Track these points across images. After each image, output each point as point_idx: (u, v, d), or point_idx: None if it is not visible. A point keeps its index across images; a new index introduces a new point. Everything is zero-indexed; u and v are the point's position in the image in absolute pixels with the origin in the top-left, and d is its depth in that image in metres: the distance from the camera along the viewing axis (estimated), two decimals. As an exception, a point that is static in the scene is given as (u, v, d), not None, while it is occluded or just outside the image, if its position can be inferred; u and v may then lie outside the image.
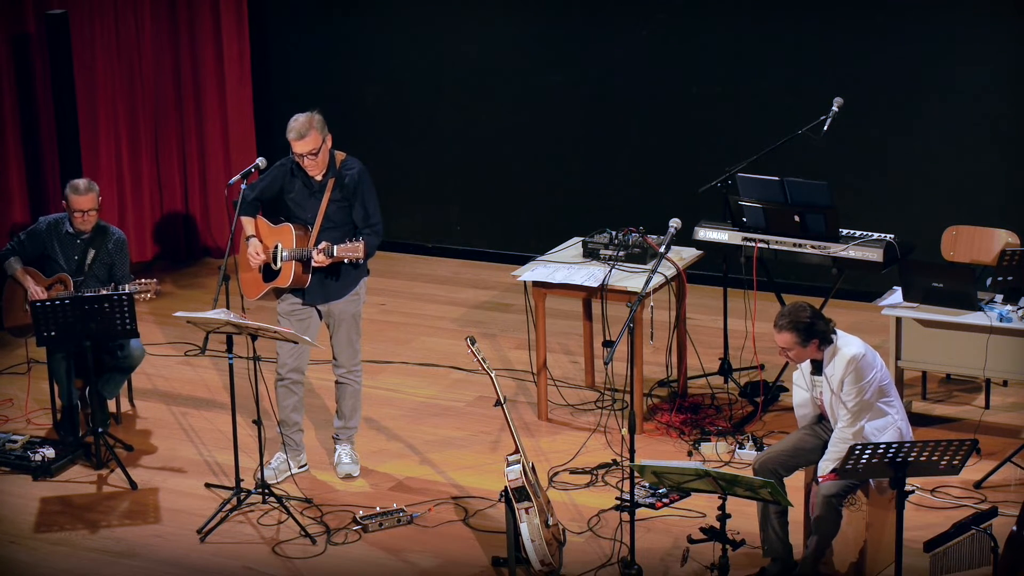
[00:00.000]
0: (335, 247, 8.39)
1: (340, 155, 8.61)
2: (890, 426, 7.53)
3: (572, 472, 8.85)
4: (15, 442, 9.22)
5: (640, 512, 8.24)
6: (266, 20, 12.70)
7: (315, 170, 8.50)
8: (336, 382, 8.85)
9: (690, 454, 8.99)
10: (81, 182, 9.34)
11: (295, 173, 8.58)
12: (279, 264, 8.59)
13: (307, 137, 8.41)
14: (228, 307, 8.52)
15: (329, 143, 8.49)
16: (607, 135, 11.84)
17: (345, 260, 8.42)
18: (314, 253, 8.42)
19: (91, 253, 9.32)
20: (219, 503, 8.48)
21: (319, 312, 8.70)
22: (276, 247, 8.59)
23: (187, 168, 12.62)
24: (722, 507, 7.09)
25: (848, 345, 7.50)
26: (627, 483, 8.30)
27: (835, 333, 7.51)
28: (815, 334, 7.45)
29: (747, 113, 11.28)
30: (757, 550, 7.75)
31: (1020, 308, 8.70)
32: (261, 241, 8.62)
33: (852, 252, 9.15)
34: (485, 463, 9.03)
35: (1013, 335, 8.64)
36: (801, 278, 10.69)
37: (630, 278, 9.22)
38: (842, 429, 7.50)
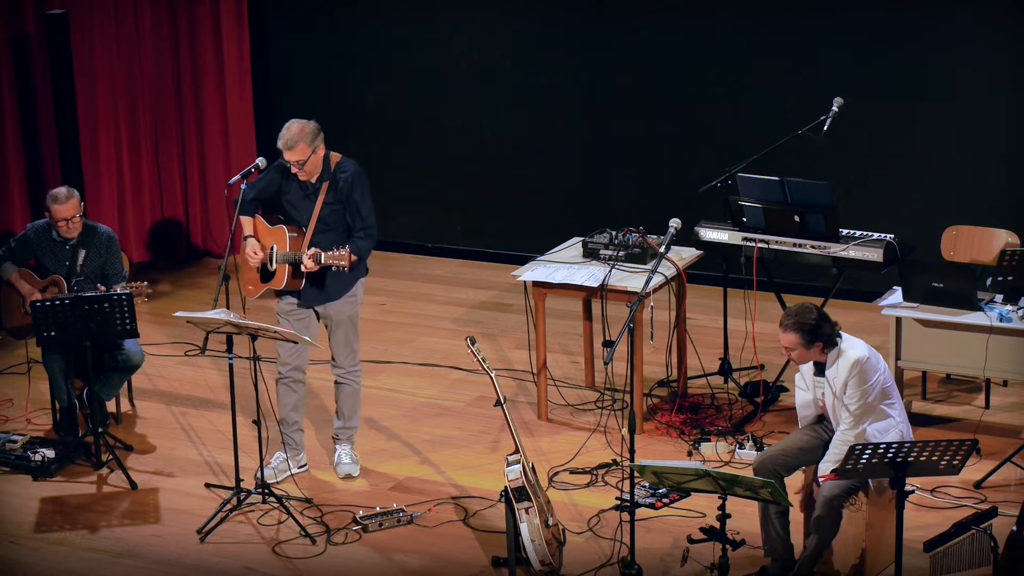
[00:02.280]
0: (323, 254, 8.38)
1: (335, 157, 8.59)
2: (892, 428, 7.52)
3: (572, 472, 8.84)
4: (15, 442, 9.22)
5: (640, 512, 8.24)
6: (266, 20, 12.69)
7: (305, 177, 8.49)
8: (335, 382, 8.85)
9: (690, 454, 8.99)
10: (60, 191, 9.24)
11: (291, 175, 8.57)
12: (274, 266, 8.58)
13: (295, 149, 8.39)
14: (228, 307, 8.52)
15: (321, 152, 8.45)
16: (607, 135, 11.83)
17: (333, 267, 8.41)
18: (304, 258, 8.42)
19: (82, 254, 9.30)
20: (219, 503, 8.48)
21: (316, 313, 8.70)
22: (272, 248, 8.58)
23: (187, 168, 12.61)
24: (722, 507, 7.09)
25: (852, 348, 7.48)
26: (627, 483, 8.30)
27: (840, 336, 7.50)
28: (820, 336, 7.43)
29: (747, 113, 11.27)
30: (757, 550, 7.75)
31: (1020, 308, 8.69)
32: (259, 240, 8.62)
33: (852, 252, 9.15)
34: (485, 463, 9.02)
35: (1013, 335, 8.64)
36: (801, 278, 10.68)
37: (630, 278, 9.22)
38: (844, 432, 7.48)
